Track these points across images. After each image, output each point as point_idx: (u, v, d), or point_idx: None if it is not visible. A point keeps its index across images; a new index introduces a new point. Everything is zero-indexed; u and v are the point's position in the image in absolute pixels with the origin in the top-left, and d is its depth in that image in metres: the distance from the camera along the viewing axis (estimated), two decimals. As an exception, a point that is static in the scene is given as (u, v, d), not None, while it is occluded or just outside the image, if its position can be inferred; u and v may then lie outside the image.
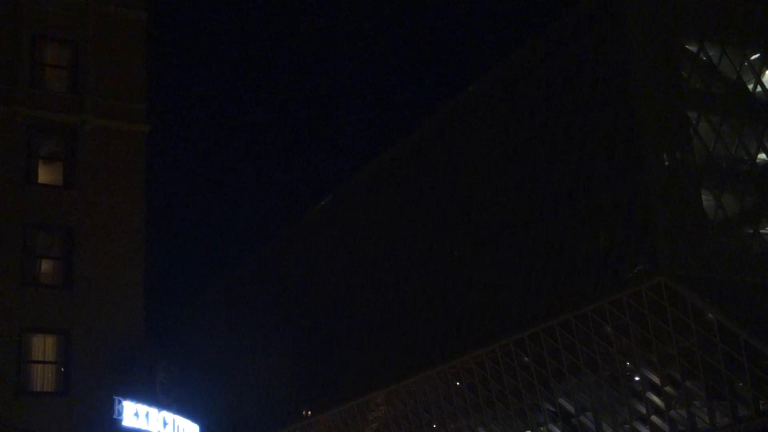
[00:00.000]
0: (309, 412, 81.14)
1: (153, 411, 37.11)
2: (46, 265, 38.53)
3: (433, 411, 68.73)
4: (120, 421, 35.81)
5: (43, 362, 37.05)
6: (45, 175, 39.35)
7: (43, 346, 37.12)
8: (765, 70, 59.74)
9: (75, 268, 37.53)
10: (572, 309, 56.70)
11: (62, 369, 36.88)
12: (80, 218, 38.20)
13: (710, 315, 51.28)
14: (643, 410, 54.85)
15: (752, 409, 50.24)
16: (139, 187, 39.65)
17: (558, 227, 59.79)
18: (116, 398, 35.85)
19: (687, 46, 58.71)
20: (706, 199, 55.61)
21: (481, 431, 65.20)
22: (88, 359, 36.54)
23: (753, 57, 59.68)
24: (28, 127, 38.54)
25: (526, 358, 60.81)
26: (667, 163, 56.19)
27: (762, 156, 57.81)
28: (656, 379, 53.99)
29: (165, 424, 37.65)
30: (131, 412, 36.19)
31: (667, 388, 53.67)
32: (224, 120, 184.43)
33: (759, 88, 59.19)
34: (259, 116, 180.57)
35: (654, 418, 54.46)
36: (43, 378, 37.03)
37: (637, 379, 55.42)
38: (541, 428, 60.92)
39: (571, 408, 58.81)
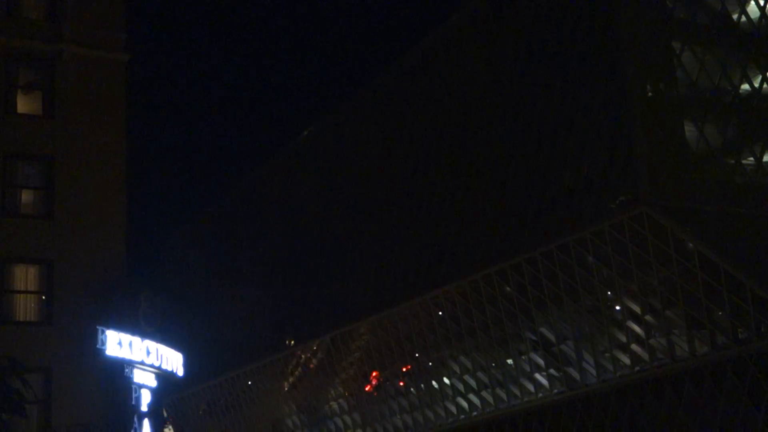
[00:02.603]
0: (292, 342, 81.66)
1: (136, 340, 37.32)
2: (26, 196, 38.44)
3: (415, 340, 69.25)
4: (103, 350, 36.01)
5: (26, 292, 37.11)
6: (24, 105, 39.05)
7: (25, 276, 37.16)
8: (750, 0, 59.35)
9: (56, 199, 37.46)
10: (554, 239, 56.91)
11: (44, 299, 36.96)
12: (60, 148, 38.02)
13: (691, 245, 51.60)
14: (624, 339, 55.41)
15: (731, 338, 50.83)
16: (119, 117, 39.41)
17: (540, 157, 59.75)
18: (99, 328, 36.00)
19: (672, -25, 58.20)
20: (689, 130, 55.56)
21: (463, 360, 65.79)
22: (71, 289, 36.62)
23: (738, -14, 59.23)
24: (5, 56, 38.12)
25: (507, 288, 61.16)
26: (650, 93, 56.03)
27: (745, 86, 57.71)
28: (637, 309, 54.47)
29: (148, 353, 37.90)
30: (114, 341, 36.38)
31: (648, 317, 54.17)
32: (206, 49, 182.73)
33: (743, 18, 58.83)
34: (241, 44, 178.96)
35: (634, 346, 55.05)
36: (25, 308, 37.14)
37: (617, 308, 55.89)
38: (522, 357, 61.50)
39: (552, 337, 59.35)
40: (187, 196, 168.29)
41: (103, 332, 35.95)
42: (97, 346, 35.77)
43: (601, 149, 55.72)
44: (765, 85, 57.66)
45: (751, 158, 56.42)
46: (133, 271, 40.50)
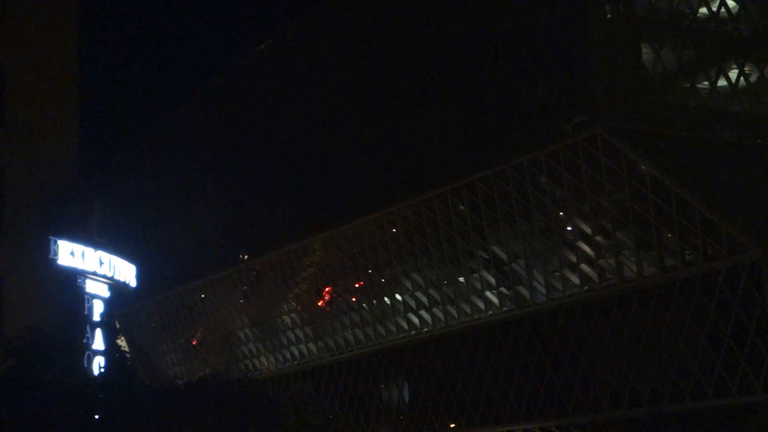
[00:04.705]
0: (246, 256, 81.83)
1: (89, 251, 37.28)
2: (-23, 103, 37.87)
3: (369, 257, 69.70)
4: (55, 260, 35.96)
5: (-24, 200, 36.79)
6: (-27, 11, 38.26)
7: (-24, 184, 36.83)
8: None
9: (6, 106, 36.99)
10: (508, 159, 57.20)
11: (-5, 206, 36.69)
12: (11, 56, 37.41)
13: (643, 167, 52.11)
14: (574, 259, 56.14)
15: (679, 260, 51.68)
16: (71, 24, 38.80)
17: (497, 77, 59.71)
18: (51, 238, 35.89)
19: None
20: (646, 53, 55.75)
21: (415, 277, 66.38)
22: (22, 196, 36.37)
23: None
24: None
25: (461, 207, 61.56)
26: (608, 15, 56.00)
27: (703, 10, 57.82)
28: (587, 229, 55.12)
29: (101, 263, 37.90)
30: (67, 251, 36.31)
31: (598, 238, 54.86)
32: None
33: (704, -59, 58.70)
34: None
35: (584, 266, 55.81)
36: (-24, 216, 36.83)
37: (569, 228, 56.52)
38: (474, 275, 62.17)
39: (503, 255, 59.98)
40: (141, 107, 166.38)
41: (55, 242, 35.86)
42: (49, 256, 35.71)
43: (557, 70, 55.77)
44: (722, 10, 57.81)
45: (706, 82, 56.79)
46: (86, 181, 40.17)
